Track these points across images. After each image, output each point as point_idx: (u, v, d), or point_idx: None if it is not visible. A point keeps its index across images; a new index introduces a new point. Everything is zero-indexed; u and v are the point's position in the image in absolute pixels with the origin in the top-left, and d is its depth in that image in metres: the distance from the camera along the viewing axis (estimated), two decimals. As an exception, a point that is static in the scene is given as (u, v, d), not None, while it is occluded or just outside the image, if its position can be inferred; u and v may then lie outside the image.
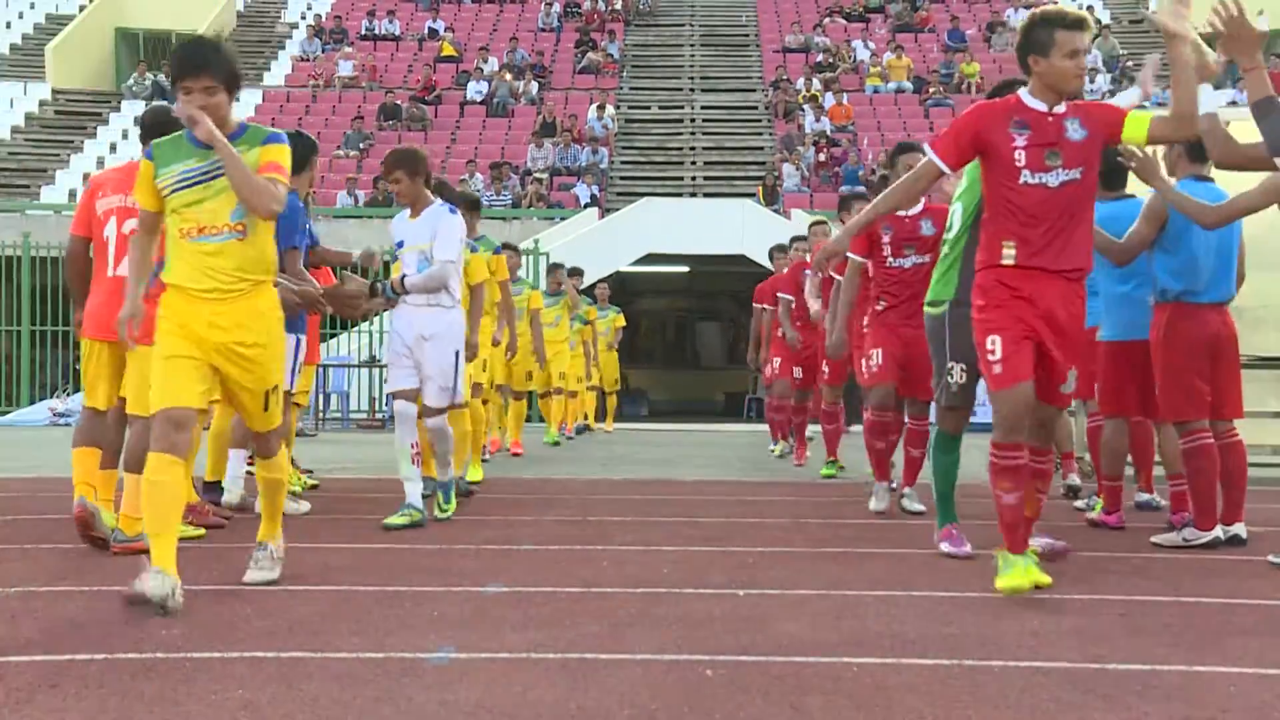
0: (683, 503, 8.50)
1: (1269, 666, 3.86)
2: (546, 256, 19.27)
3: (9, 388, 20.17)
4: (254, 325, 4.88)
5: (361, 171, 26.10)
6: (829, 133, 27.40)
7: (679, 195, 26.19)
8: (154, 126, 6.17)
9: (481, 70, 30.46)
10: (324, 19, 34.22)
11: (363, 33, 33.31)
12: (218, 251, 4.78)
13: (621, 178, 27.49)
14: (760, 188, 25.56)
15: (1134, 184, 6.60)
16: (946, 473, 6.08)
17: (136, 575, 4.47)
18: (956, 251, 5.94)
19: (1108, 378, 6.78)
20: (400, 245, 7.16)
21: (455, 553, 6.09)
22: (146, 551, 5.83)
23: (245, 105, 29.41)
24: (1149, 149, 5.89)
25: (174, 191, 4.82)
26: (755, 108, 30.18)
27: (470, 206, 8.62)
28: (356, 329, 19.98)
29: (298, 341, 7.48)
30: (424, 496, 7.01)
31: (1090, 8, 32.13)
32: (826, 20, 33.44)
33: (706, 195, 26.01)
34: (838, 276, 7.93)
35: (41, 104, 30.18)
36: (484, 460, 10.63)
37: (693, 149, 28.71)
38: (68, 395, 18.92)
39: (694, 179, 27.48)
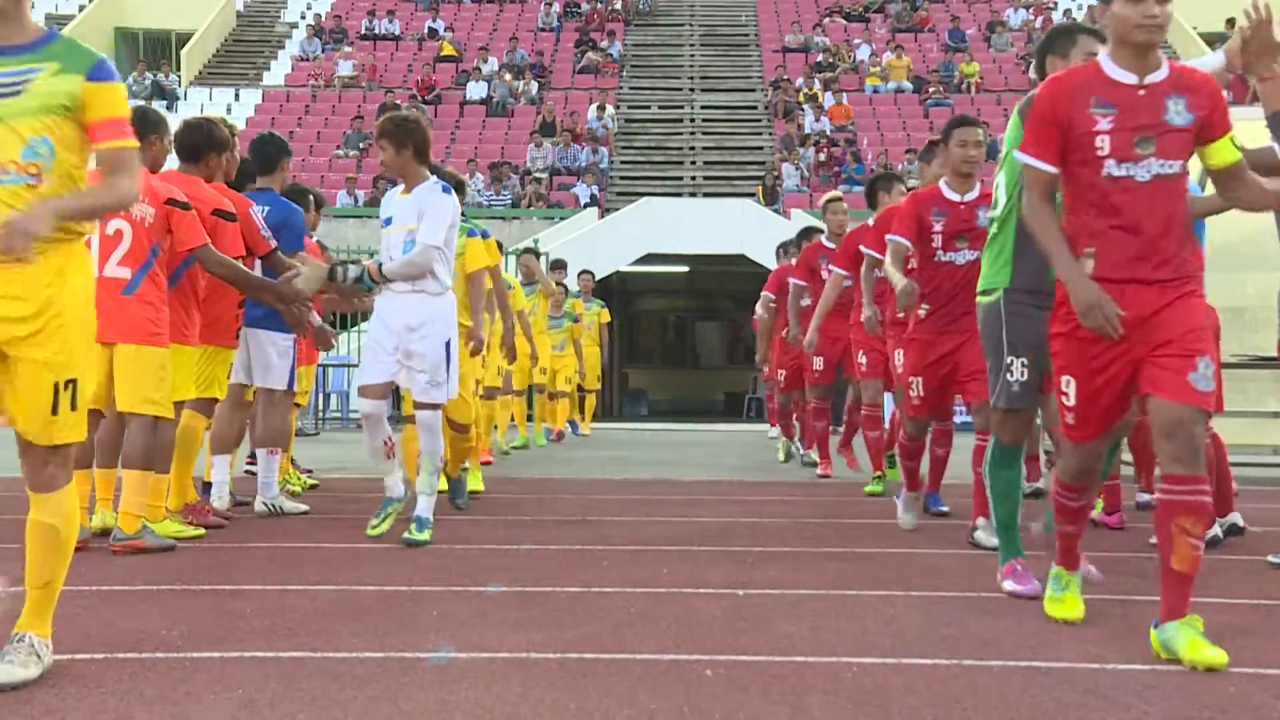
0: (683, 503, 8.50)
1: (1269, 666, 3.86)
2: (546, 256, 19.28)
3: (9, 387, 20.13)
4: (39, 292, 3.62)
5: (361, 171, 26.10)
6: (829, 132, 27.40)
7: (679, 195, 26.19)
8: (135, 127, 6.17)
9: (481, 70, 30.46)
10: (324, 19, 34.21)
11: (362, 32, 33.30)
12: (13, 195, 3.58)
13: (621, 177, 27.49)
14: (760, 188, 25.55)
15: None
16: (1007, 494, 5.13)
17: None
18: (1007, 233, 5.08)
19: None
20: (388, 222, 6.55)
21: (455, 553, 6.09)
22: (146, 551, 5.87)
23: (245, 105, 29.45)
24: None
25: None
26: (755, 107, 30.18)
27: (454, 189, 8.02)
28: (357, 329, 19.97)
29: (293, 341, 7.48)
30: (392, 511, 6.59)
31: (1091, 8, 32.16)
32: (826, 20, 33.43)
33: (706, 195, 26.01)
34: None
35: (41, 104, 30.13)
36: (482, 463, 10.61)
37: (692, 149, 28.71)
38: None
39: (694, 179, 27.48)
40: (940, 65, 30.44)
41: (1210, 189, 4.97)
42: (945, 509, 7.42)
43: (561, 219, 23.95)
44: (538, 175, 26.19)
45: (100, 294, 6.00)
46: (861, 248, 7.68)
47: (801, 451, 11.56)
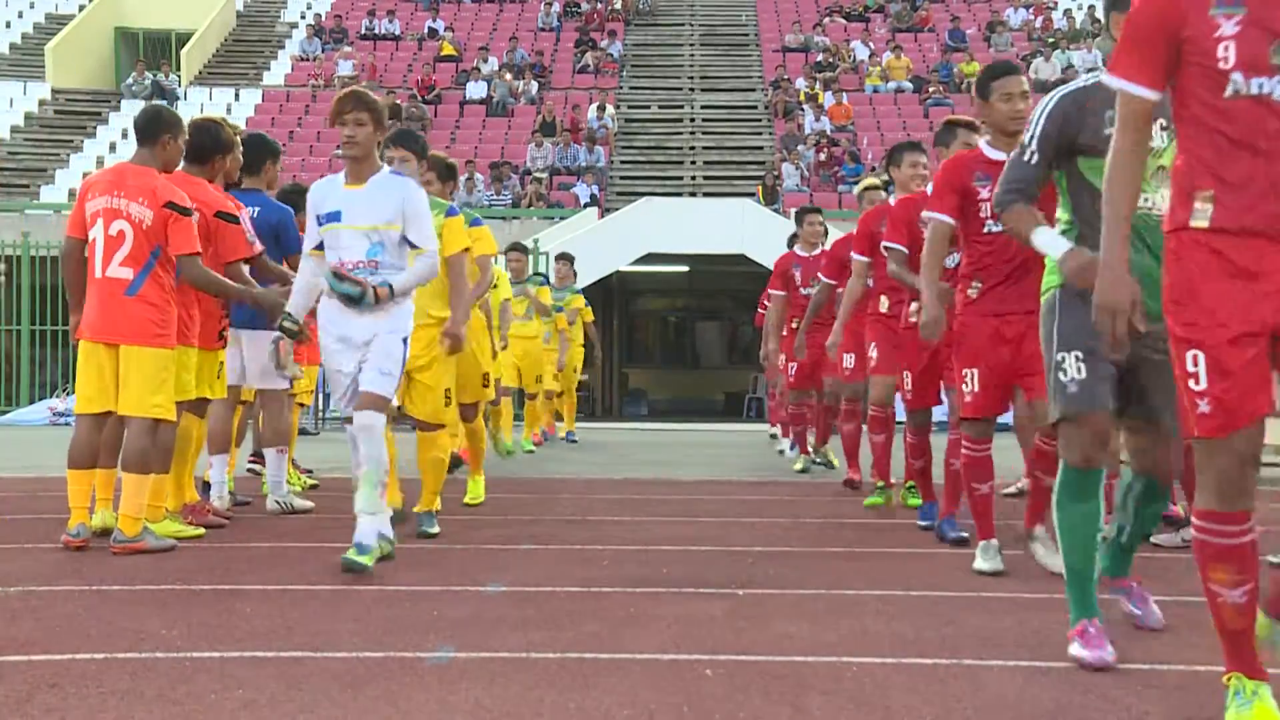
0: (683, 503, 8.49)
1: (1268, 667, 3.85)
2: (546, 256, 19.27)
3: (9, 387, 20.16)
4: None
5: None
6: (829, 132, 27.39)
7: (679, 195, 26.19)
8: (148, 126, 6.18)
9: (481, 70, 30.46)
10: (324, 18, 34.21)
11: (362, 32, 33.29)
12: None
13: (621, 177, 27.49)
14: (760, 187, 25.55)
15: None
16: (1080, 534, 4.05)
17: None
18: (1066, 218, 4.26)
19: None
20: (332, 218, 5.53)
21: (455, 553, 6.09)
22: (146, 552, 5.87)
23: (245, 105, 29.45)
24: None
25: None
26: (755, 107, 30.18)
27: (447, 173, 7.24)
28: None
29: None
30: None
31: (1091, 7, 32.17)
32: (826, 20, 33.43)
33: (706, 195, 26.01)
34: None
35: (41, 104, 30.17)
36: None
37: (692, 149, 28.71)
38: (67, 395, 18.92)
39: (694, 179, 27.48)
40: (940, 65, 30.43)
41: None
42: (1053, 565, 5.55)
43: (561, 219, 23.95)
44: (538, 175, 26.19)
45: (103, 295, 6.05)
46: (885, 245, 6.81)
47: (816, 457, 10.90)
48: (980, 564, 5.52)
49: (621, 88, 30.87)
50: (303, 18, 35.05)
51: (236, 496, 7.46)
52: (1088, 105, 4.18)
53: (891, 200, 7.35)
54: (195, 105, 28.13)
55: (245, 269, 6.68)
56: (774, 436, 14.05)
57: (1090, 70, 20.57)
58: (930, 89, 29.24)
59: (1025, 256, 5.19)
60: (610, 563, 5.81)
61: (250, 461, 8.77)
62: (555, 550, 6.20)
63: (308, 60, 31.93)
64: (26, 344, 20.10)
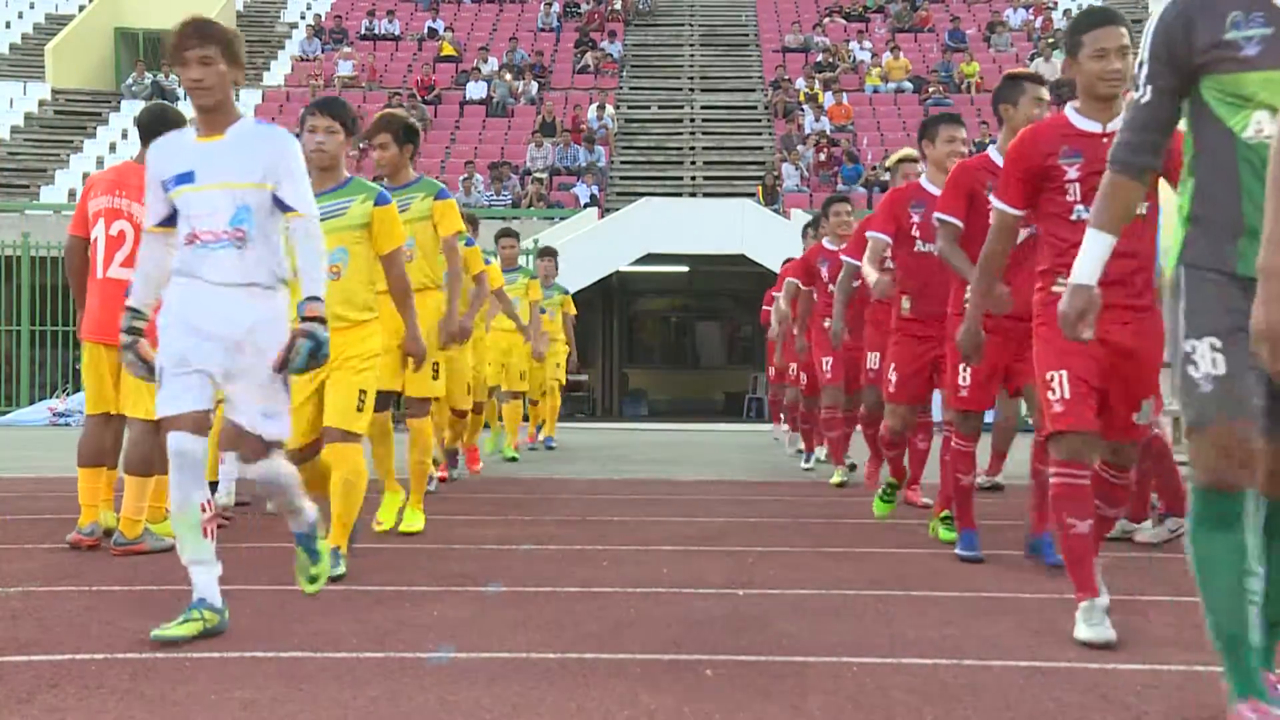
0: (683, 503, 8.49)
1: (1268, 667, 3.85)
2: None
3: (9, 387, 20.16)
4: None
5: (361, 171, 26.09)
6: (829, 132, 27.39)
7: (679, 195, 26.19)
8: (151, 124, 6.18)
9: (481, 70, 30.46)
10: (323, 19, 34.21)
11: (362, 32, 33.29)
12: None
13: (621, 177, 27.49)
14: (760, 187, 25.56)
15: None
16: (1220, 581, 3.13)
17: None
18: (1186, 195, 3.29)
19: None
20: (183, 180, 4.31)
21: (455, 553, 6.08)
22: (146, 553, 5.87)
23: (245, 105, 29.44)
24: None
25: None
26: (755, 107, 30.18)
27: (408, 135, 6.80)
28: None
29: None
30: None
31: (1090, 8, 32.11)
32: (826, 20, 33.43)
33: (706, 195, 26.01)
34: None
35: (41, 104, 30.17)
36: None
37: (692, 149, 28.71)
38: (67, 395, 18.93)
39: (694, 179, 27.48)
40: (940, 65, 30.44)
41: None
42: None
43: (561, 219, 23.95)
44: (538, 175, 26.19)
45: (105, 295, 6.06)
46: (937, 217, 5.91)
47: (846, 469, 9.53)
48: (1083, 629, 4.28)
49: (621, 88, 30.87)
50: (302, 18, 35.06)
51: (236, 496, 7.47)
52: (1201, 5, 3.23)
53: (923, 180, 6.79)
54: (195, 105, 28.10)
55: None
56: (780, 440, 13.92)
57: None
58: (930, 89, 29.24)
59: (1133, 239, 4.35)
60: (610, 563, 5.81)
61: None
62: (555, 550, 6.20)
63: (307, 60, 31.93)
64: (26, 344, 20.09)
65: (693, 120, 29.77)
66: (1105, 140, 4.45)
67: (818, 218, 10.28)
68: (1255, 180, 3.06)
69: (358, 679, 3.65)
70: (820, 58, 31.21)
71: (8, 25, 34.55)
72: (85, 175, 24.45)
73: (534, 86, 30.25)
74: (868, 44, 31.88)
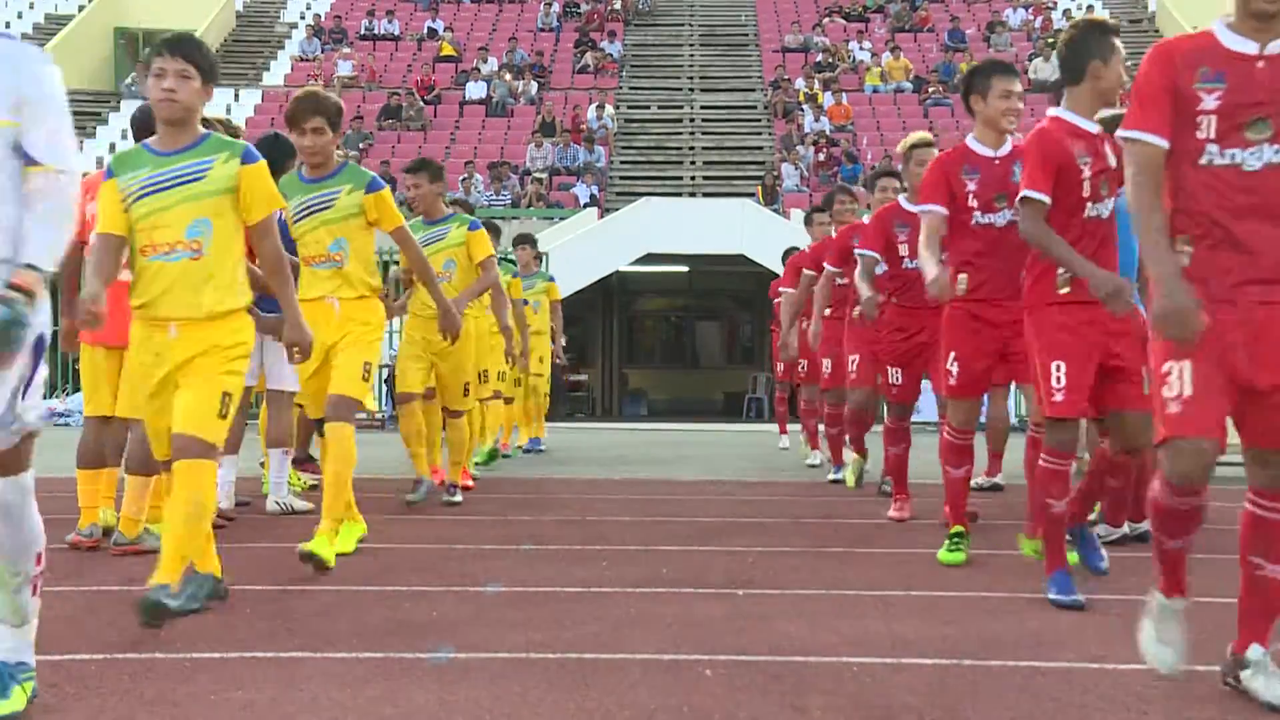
0: (683, 503, 8.49)
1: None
2: (546, 256, 19.27)
3: (8, 388, 20.13)
4: None
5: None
6: (828, 132, 27.40)
7: (678, 195, 26.19)
8: (146, 124, 6.17)
9: (481, 70, 30.47)
10: (323, 19, 34.21)
11: (362, 33, 33.29)
12: None
13: (621, 177, 27.49)
14: (760, 187, 25.56)
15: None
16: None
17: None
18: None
19: None
20: None
21: (455, 553, 6.08)
22: (146, 553, 5.86)
23: (245, 105, 29.45)
24: None
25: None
26: (755, 107, 30.18)
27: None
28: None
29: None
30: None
31: (1090, 8, 32.16)
32: (826, 20, 33.43)
33: (706, 195, 26.01)
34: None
35: (41, 104, 30.15)
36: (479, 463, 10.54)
37: (692, 149, 28.71)
38: (67, 395, 18.91)
39: (693, 179, 27.48)
40: (940, 65, 30.44)
41: None
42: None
43: (561, 219, 23.95)
44: (537, 175, 26.19)
45: (107, 297, 6.03)
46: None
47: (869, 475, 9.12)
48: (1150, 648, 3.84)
49: (621, 88, 30.88)
50: (302, 18, 35.06)
51: (236, 497, 7.47)
52: None
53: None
54: (195, 105, 28.09)
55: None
56: (785, 448, 13.03)
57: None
58: (930, 89, 29.25)
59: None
60: (610, 563, 5.81)
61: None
62: (555, 550, 6.20)
63: (307, 60, 31.93)
64: (26, 344, 20.06)
65: (692, 120, 29.78)
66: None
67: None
68: None
69: (357, 679, 3.65)
70: (820, 58, 31.21)
71: (7, 25, 34.52)
72: (85, 176, 24.41)
73: (534, 86, 30.25)
74: (867, 44, 31.90)
